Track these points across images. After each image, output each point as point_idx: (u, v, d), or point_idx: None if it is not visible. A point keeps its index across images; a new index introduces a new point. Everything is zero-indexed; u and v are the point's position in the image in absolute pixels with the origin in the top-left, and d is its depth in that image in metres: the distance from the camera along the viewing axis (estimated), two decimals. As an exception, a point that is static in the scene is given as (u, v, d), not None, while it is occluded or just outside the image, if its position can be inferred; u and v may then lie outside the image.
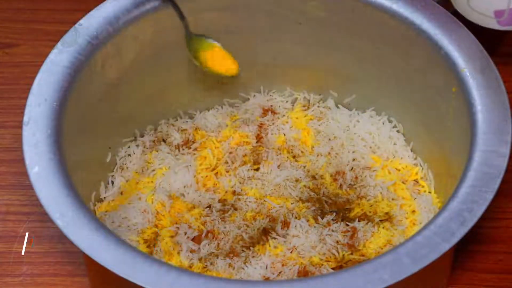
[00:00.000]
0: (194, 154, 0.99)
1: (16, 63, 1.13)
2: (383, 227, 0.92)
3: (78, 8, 1.10)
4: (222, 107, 1.04)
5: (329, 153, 0.99)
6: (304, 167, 0.98)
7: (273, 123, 1.02)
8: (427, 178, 0.97)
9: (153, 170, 0.98)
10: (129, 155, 1.00)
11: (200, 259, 0.90)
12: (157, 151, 0.99)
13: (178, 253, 0.91)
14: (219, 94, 1.04)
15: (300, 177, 0.97)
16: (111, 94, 0.94)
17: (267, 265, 0.89)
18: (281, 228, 0.92)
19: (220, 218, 0.94)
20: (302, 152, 0.99)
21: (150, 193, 0.95)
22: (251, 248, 0.91)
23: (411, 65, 0.94)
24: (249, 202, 0.95)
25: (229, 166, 0.98)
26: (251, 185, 0.96)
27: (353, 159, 0.98)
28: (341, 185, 0.97)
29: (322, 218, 0.93)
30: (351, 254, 0.90)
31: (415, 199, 0.95)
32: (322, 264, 0.89)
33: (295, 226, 0.92)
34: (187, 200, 0.95)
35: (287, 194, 0.95)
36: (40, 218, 0.98)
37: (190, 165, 0.97)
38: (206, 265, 0.90)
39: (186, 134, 1.01)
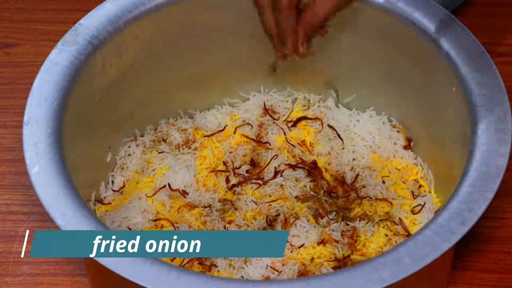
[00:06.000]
0: (194, 154, 0.99)
1: (16, 63, 1.13)
2: (383, 227, 0.92)
3: (78, 8, 1.10)
4: (222, 107, 1.04)
5: (329, 153, 0.99)
6: (304, 167, 0.98)
7: (273, 123, 1.01)
8: (427, 178, 0.97)
9: (153, 170, 0.98)
10: (129, 154, 0.99)
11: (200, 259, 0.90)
12: (157, 151, 0.99)
13: (178, 252, 0.91)
14: (219, 94, 1.04)
15: (300, 177, 0.97)
16: (111, 94, 0.94)
17: (267, 265, 0.89)
18: (281, 228, 0.92)
19: (220, 218, 0.93)
20: (302, 152, 0.99)
21: (150, 192, 0.95)
22: (251, 247, 0.91)
23: (411, 65, 0.94)
24: (249, 202, 0.95)
25: (229, 166, 0.98)
26: (251, 184, 0.96)
27: (353, 159, 0.98)
28: (341, 184, 0.97)
29: (322, 218, 0.93)
30: (351, 253, 0.90)
31: (415, 199, 0.95)
32: (322, 264, 0.89)
33: (295, 225, 0.92)
34: (187, 199, 0.95)
35: (287, 194, 0.95)
36: (40, 218, 0.98)
37: (190, 165, 0.97)
38: (207, 265, 0.90)
39: (186, 134, 1.01)
